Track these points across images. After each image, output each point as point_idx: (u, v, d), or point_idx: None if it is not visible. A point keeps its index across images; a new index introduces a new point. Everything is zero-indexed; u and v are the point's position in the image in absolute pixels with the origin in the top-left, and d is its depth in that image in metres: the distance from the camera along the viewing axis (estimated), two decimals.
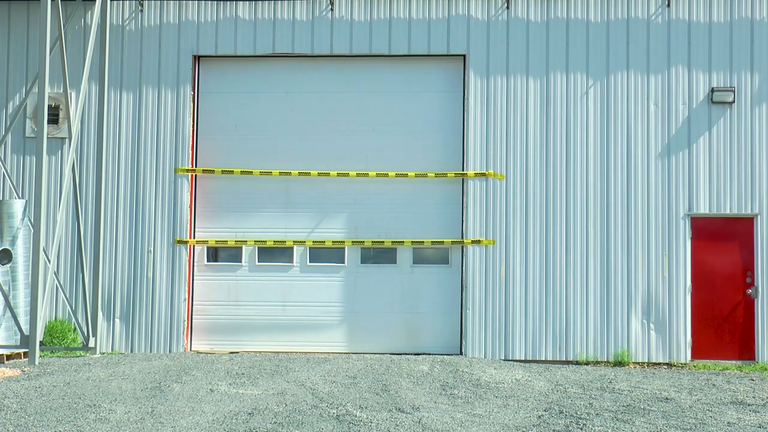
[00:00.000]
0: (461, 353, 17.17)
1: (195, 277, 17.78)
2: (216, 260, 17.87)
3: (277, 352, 17.42)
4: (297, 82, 17.99)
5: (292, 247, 17.72)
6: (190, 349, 17.53)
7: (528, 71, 17.53)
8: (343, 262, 17.70)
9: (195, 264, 17.78)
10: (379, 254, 17.76)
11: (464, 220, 17.38)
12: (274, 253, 17.81)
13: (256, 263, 17.79)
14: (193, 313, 17.68)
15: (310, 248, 17.70)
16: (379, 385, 13.39)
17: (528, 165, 17.40)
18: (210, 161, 17.89)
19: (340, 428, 10.29)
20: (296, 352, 17.38)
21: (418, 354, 17.14)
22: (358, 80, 17.96)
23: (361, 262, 17.70)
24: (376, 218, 17.72)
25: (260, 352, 17.41)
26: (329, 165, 17.77)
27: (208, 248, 17.88)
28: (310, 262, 17.72)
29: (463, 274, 17.28)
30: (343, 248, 17.68)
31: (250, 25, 17.84)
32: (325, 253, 17.76)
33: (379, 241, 17.59)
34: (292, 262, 17.75)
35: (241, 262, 17.80)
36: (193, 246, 17.72)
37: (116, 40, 17.84)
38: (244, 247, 17.79)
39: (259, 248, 17.80)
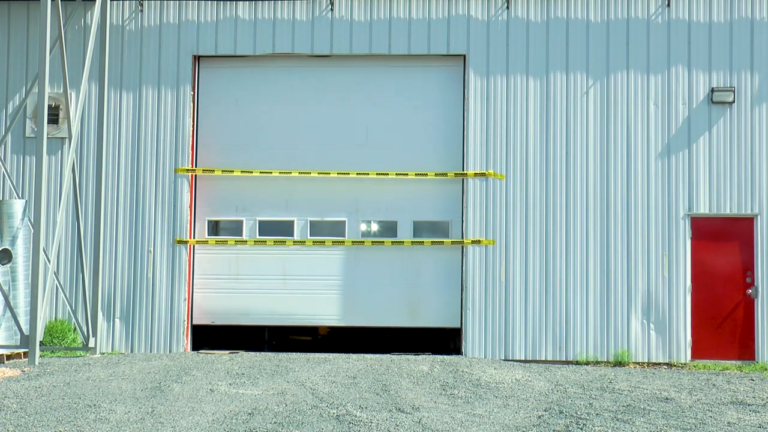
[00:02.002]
0: (461, 327, 17.16)
1: (196, 251, 17.74)
2: (217, 234, 17.86)
3: (278, 326, 17.74)
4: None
5: (293, 221, 17.71)
6: (191, 324, 17.53)
7: (528, 71, 17.52)
8: (344, 236, 17.70)
9: (196, 238, 17.75)
10: (380, 231, 17.74)
11: (464, 220, 17.37)
12: (276, 227, 17.82)
13: (257, 237, 17.77)
14: (194, 288, 17.66)
15: (311, 221, 17.69)
16: (379, 385, 13.39)
17: (528, 165, 17.40)
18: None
19: (340, 428, 10.29)
20: (296, 326, 17.70)
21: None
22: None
23: (362, 237, 17.68)
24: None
25: (261, 326, 17.74)
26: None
27: (209, 221, 17.85)
28: (311, 236, 17.70)
29: (463, 274, 17.28)
30: (344, 222, 17.68)
31: (250, 25, 17.84)
32: (326, 227, 17.75)
33: (378, 241, 17.58)
34: (293, 236, 17.73)
35: (242, 236, 17.78)
36: (193, 246, 17.72)
37: (116, 40, 17.84)
38: (245, 219, 17.78)
39: (260, 222, 17.78)
